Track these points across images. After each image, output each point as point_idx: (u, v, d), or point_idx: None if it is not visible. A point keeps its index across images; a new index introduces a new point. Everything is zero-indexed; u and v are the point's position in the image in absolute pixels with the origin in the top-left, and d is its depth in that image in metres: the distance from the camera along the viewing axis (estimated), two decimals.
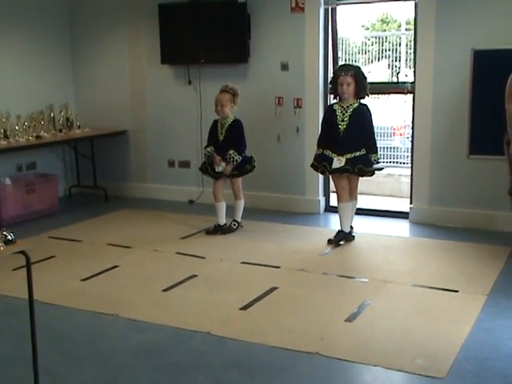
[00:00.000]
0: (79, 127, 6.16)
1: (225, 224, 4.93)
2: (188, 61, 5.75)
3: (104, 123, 6.27)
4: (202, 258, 4.33)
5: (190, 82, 5.85)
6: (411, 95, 5.18)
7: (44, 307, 3.36)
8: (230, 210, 4.96)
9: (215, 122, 4.93)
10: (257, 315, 3.34)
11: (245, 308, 3.42)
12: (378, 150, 4.63)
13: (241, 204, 4.96)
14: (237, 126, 4.83)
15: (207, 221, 5.14)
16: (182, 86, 5.92)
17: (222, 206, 4.91)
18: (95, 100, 6.37)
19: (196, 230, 5.04)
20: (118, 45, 6.18)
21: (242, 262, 4.21)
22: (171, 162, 6.16)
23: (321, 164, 4.58)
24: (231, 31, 5.51)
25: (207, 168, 4.89)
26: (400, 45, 10.62)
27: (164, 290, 3.71)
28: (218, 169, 4.80)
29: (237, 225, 4.96)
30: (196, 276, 3.94)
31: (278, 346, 2.97)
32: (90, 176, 6.28)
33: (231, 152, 4.73)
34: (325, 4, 5.31)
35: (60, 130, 6.02)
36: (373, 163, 4.51)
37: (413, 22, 5.29)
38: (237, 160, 4.76)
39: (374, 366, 2.77)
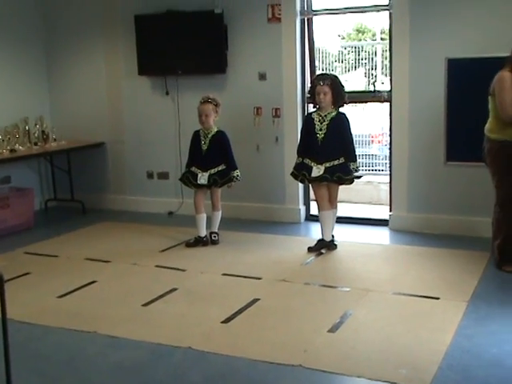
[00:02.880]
0: (55, 140, 6.07)
1: (205, 236, 4.88)
2: (165, 72, 5.71)
3: (81, 135, 6.19)
4: (183, 270, 4.27)
5: (167, 93, 5.81)
6: (388, 103, 5.22)
7: (19, 326, 3.27)
8: (207, 222, 4.90)
9: (196, 133, 4.89)
10: (239, 328, 3.30)
11: (226, 321, 3.37)
12: (357, 158, 4.65)
13: (219, 215, 4.92)
14: (223, 138, 4.81)
15: (187, 233, 5.08)
16: (160, 97, 5.87)
17: (203, 218, 4.86)
18: (71, 112, 6.29)
19: (176, 242, 4.98)
20: (94, 56, 6.11)
21: (223, 274, 4.16)
22: (150, 173, 6.10)
23: (300, 172, 4.59)
24: (208, 42, 5.49)
25: (188, 178, 4.84)
26: (376, 54, 10.76)
27: (144, 305, 3.64)
28: (200, 181, 4.77)
29: (217, 236, 4.92)
30: (176, 289, 3.89)
31: (260, 359, 2.93)
32: (67, 189, 6.19)
33: (234, 174, 4.76)
34: (301, 15, 5.33)
35: (35, 144, 5.92)
36: (352, 171, 4.53)
37: (387, 32, 5.34)
38: (237, 176, 4.77)
39: (358, 376, 2.75)
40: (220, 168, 4.78)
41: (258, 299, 3.67)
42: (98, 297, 3.82)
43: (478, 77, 4.24)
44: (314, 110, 4.67)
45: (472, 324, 3.25)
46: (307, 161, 4.55)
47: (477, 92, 4.19)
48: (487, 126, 4.04)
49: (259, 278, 4.06)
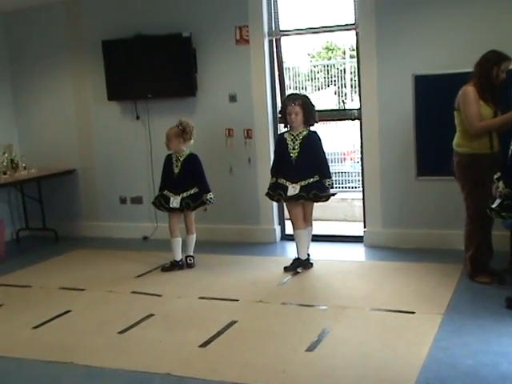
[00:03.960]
0: (25, 168, 5.99)
1: (181, 260, 4.85)
2: (135, 96, 5.72)
3: (51, 163, 6.12)
4: (159, 296, 4.23)
5: (138, 118, 5.81)
6: (358, 121, 5.30)
7: None
8: (183, 245, 4.87)
9: (169, 156, 4.89)
10: (217, 352, 3.27)
11: (204, 345, 3.34)
12: (332, 175, 4.69)
13: (194, 238, 4.89)
14: (195, 161, 4.80)
15: (163, 257, 5.04)
16: (130, 122, 5.87)
17: (179, 242, 4.83)
18: (41, 139, 6.23)
19: (151, 267, 4.93)
20: (61, 82, 6.08)
21: (200, 298, 4.13)
22: (123, 198, 6.06)
23: (276, 192, 4.61)
24: (177, 65, 5.53)
25: (161, 201, 4.83)
26: (345, 71, 10.94)
27: (120, 333, 3.59)
28: (173, 204, 4.75)
29: (193, 260, 4.89)
30: (153, 315, 3.84)
31: (239, 382, 2.90)
32: (39, 218, 6.09)
33: (207, 197, 4.73)
34: (269, 36, 5.41)
35: (4, 173, 5.83)
36: (327, 188, 4.57)
37: (355, 50, 5.44)
38: (211, 199, 4.74)
39: None
40: (192, 191, 4.77)
41: (236, 321, 3.65)
42: (74, 326, 3.76)
43: (445, 92, 4.33)
44: (286, 130, 4.72)
45: (447, 336, 3.27)
46: (282, 180, 4.57)
47: (444, 107, 4.28)
48: (455, 140, 4.13)
49: (236, 300, 4.04)
